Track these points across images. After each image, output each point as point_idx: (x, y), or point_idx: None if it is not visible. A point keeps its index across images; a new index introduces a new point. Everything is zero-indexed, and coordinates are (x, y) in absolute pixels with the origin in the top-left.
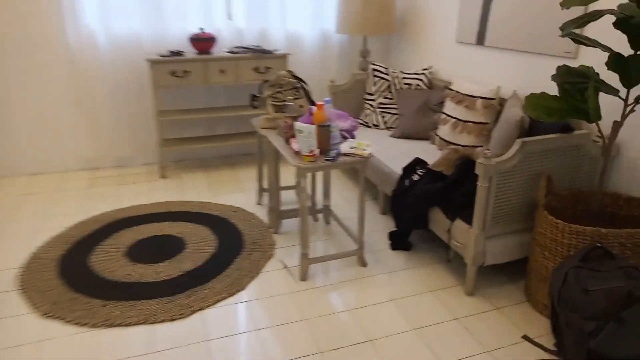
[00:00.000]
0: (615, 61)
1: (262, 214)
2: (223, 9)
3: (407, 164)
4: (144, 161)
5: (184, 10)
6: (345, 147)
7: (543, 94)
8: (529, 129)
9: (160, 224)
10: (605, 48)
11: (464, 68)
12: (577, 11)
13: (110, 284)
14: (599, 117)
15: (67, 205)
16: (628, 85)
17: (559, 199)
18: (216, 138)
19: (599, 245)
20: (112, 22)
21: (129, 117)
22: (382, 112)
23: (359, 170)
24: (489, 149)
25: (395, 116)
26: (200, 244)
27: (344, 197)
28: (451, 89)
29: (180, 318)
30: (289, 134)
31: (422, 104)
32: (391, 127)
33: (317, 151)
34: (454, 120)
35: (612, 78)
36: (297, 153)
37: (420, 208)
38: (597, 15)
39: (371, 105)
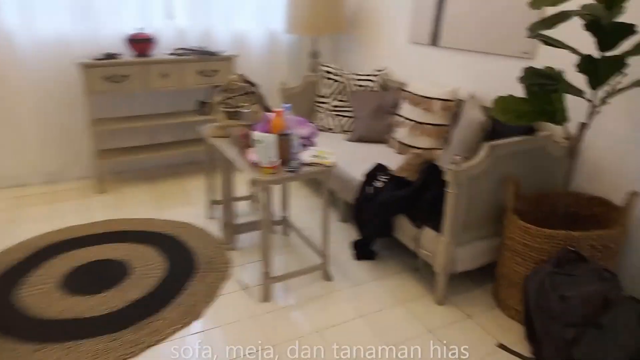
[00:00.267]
0: (585, 63)
1: (214, 228)
2: (162, 7)
3: (369, 170)
4: (79, 175)
5: (118, 9)
6: (306, 156)
7: (511, 96)
8: (491, 131)
9: (99, 247)
10: (573, 50)
11: (418, 69)
12: (539, 12)
13: (42, 323)
14: (567, 119)
15: None
16: (595, 86)
17: (523, 201)
18: (159, 147)
19: (571, 249)
20: (34, 21)
21: (59, 128)
22: (337, 115)
23: (322, 181)
24: (458, 155)
25: (352, 119)
26: (147, 267)
27: (301, 206)
28: (407, 91)
29: (130, 357)
30: (244, 144)
31: (377, 107)
32: (347, 131)
33: (277, 162)
34: (413, 122)
35: (576, 79)
36: (254, 164)
37: (386, 216)
38: (566, 16)
39: (325, 109)
